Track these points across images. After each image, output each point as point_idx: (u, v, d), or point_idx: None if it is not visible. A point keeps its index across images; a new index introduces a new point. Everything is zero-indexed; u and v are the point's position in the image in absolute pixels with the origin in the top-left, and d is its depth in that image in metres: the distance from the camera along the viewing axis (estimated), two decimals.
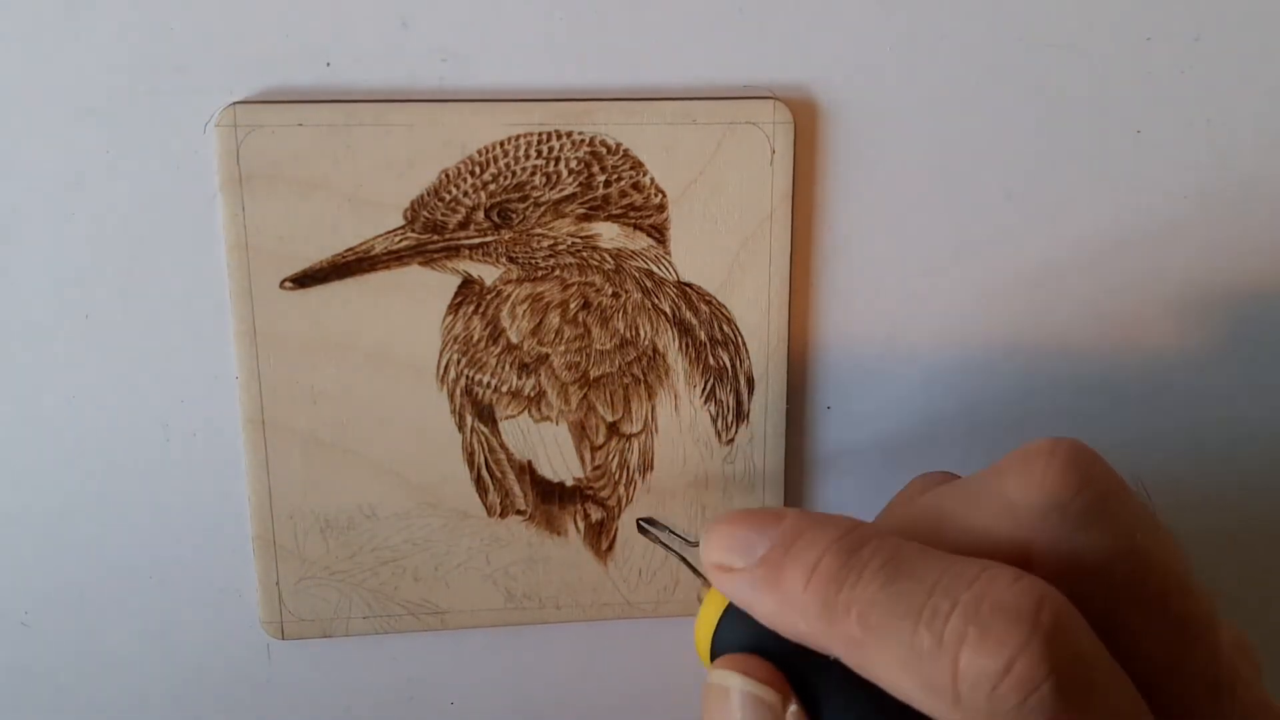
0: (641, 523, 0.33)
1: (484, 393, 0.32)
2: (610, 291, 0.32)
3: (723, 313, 0.32)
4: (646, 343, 0.32)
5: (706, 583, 0.27)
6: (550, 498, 0.33)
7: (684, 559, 0.32)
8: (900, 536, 0.23)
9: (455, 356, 0.32)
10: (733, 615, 0.25)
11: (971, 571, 0.21)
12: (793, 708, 0.24)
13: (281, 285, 0.31)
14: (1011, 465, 0.23)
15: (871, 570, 0.22)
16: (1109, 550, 0.22)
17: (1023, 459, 0.23)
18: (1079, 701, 0.20)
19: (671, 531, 0.32)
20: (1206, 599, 0.23)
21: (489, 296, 0.32)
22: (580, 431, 0.33)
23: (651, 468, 0.33)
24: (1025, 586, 0.21)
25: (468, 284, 0.31)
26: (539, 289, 0.32)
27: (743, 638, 0.25)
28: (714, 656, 0.26)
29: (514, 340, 0.32)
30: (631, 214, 0.31)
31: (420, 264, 0.31)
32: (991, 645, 0.20)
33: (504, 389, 0.32)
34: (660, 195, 0.31)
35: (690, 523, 0.34)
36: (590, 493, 0.33)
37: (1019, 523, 0.23)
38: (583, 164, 0.31)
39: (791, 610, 0.23)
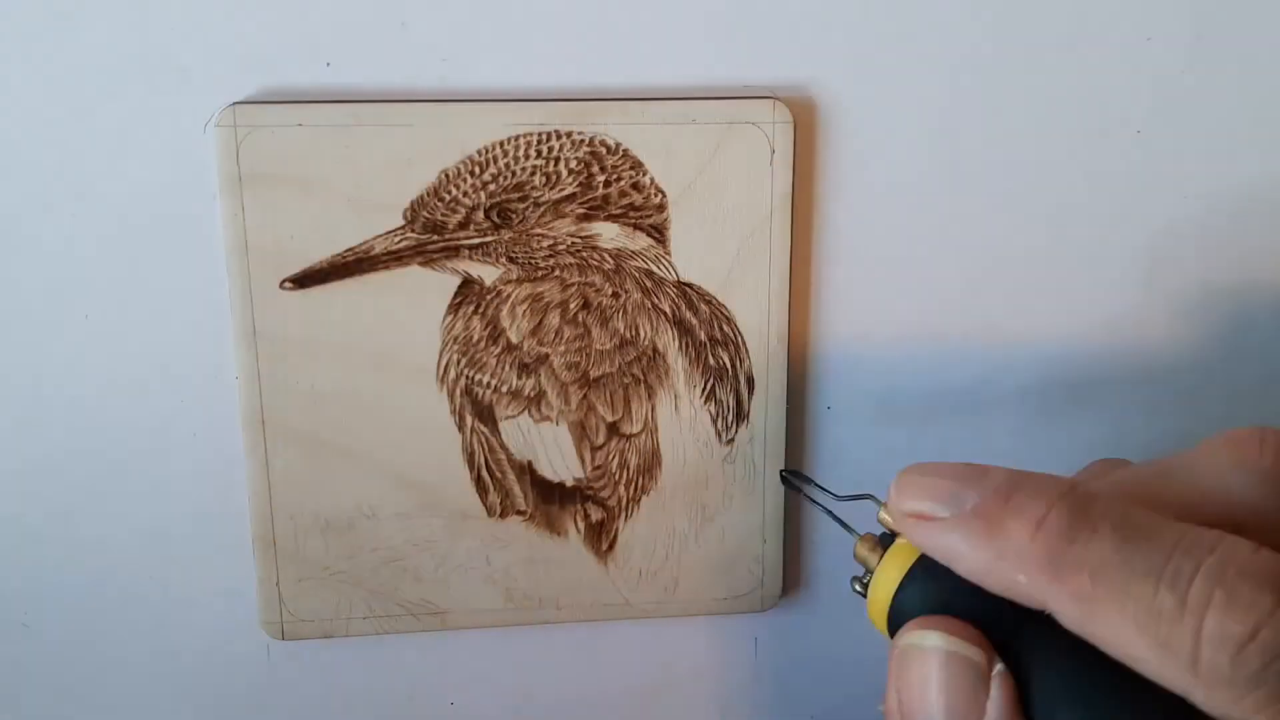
0: (785, 474, 0.33)
1: (484, 393, 0.32)
2: (610, 291, 0.32)
3: (723, 313, 0.32)
4: (646, 343, 0.32)
5: (862, 538, 0.26)
6: (550, 498, 0.33)
7: (831, 513, 0.30)
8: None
9: (455, 357, 0.32)
10: (918, 573, 0.24)
11: (1210, 538, 0.21)
12: (999, 667, 0.23)
13: (281, 285, 0.31)
14: (1221, 446, 0.24)
15: (1106, 528, 0.22)
16: None
17: (1232, 441, 0.24)
18: None
19: (817, 485, 0.31)
20: None
21: (489, 296, 0.32)
22: (580, 431, 0.33)
23: (651, 468, 0.33)
24: (1268, 555, 0.21)
25: (468, 284, 0.31)
26: (539, 289, 0.32)
27: (932, 596, 0.24)
28: (893, 615, 0.25)
29: (514, 340, 0.32)
30: (631, 214, 0.31)
31: (420, 264, 0.31)
32: (1239, 610, 0.20)
33: (504, 389, 0.32)
34: (660, 195, 0.31)
35: (691, 523, 0.34)
36: (590, 493, 0.33)
37: (1232, 499, 0.23)
38: (583, 164, 0.31)
39: (1011, 562, 0.22)
